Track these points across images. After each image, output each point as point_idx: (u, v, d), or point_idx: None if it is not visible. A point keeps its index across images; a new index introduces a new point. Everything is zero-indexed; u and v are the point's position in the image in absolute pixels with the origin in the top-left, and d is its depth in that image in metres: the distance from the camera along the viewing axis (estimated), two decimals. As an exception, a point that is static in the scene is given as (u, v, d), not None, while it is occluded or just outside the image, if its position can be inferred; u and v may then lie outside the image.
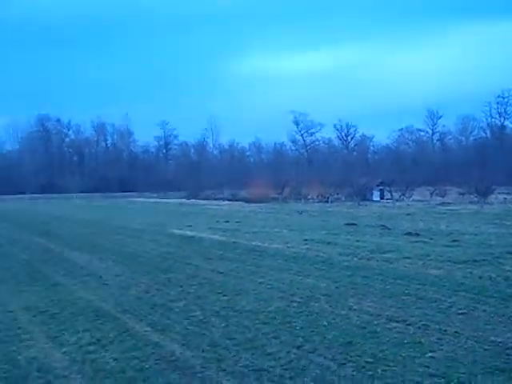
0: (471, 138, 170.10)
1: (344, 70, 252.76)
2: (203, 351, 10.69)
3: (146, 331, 12.39)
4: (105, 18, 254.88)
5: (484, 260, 20.71)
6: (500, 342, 10.77)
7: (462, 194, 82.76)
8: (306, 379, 9.07)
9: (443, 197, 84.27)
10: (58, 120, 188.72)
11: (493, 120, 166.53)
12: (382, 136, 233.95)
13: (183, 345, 11.21)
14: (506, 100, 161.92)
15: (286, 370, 9.56)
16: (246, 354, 10.45)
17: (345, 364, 9.75)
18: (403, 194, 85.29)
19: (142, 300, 15.70)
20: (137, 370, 9.74)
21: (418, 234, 30.58)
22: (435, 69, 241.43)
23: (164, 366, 9.93)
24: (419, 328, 11.90)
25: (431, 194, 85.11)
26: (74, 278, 19.66)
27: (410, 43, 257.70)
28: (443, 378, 8.98)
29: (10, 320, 13.79)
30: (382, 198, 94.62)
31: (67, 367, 10.07)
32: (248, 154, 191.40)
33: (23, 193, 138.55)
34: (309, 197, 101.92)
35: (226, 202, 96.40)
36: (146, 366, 9.94)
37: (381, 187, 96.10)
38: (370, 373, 9.26)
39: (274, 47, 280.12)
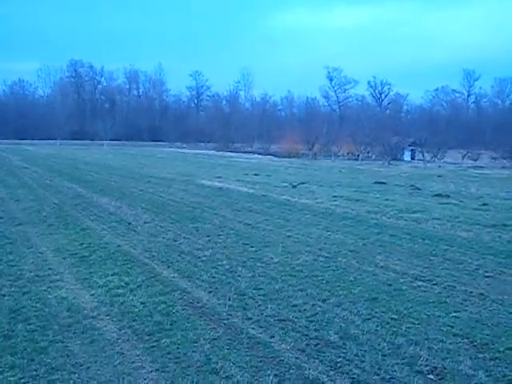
0: (507, 102, 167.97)
1: (381, 27, 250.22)
2: (229, 299, 10.80)
3: (173, 277, 12.53)
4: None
5: (513, 224, 20.64)
6: (525, 306, 10.79)
7: (495, 159, 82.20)
8: (330, 332, 9.15)
9: (475, 160, 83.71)
10: (91, 66, 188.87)
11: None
12: (416, 95, 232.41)
13: (210, 292, 11.34)
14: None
15: (310, 321, 9.65)
16: (272, 304, 10.54)
17: (369, 319, 9.82)
18: (435, 156, 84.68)
19: (169, 247, 15.84)
20: (163, 315, 9.88)
21: (447, 196, 30.48)
22: (474, 29, 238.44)
23: (190, 312, 10.07)
24: (445, 288, 11.93)
25: (463, 156, 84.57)
26: (104, 224, 19.85)
27: (448, 1, 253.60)
28: (467, 338, 9.02)
29: (40, 261, 13.99)
30: (412, 159, 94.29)
31: (95, 308, 10.24)
32: (280, 108, 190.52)
33: (54, 138, 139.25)
34: (339, 154, 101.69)
35: (256, 156, 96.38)
36: (173, 311, 10.08)
37: (412, 147, 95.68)
38: (394, 329, 9.33)
39: (310, 1, 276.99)
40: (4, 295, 10.91)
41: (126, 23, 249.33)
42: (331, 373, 7.67)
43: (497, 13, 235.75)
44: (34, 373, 7.59)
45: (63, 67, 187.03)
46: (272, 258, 14.55)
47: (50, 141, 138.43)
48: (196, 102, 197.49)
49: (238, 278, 12.53)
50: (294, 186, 18.01)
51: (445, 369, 7.84)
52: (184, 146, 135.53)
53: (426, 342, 8.77)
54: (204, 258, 14.49)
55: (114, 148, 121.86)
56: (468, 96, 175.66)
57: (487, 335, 9.15)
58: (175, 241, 16.84)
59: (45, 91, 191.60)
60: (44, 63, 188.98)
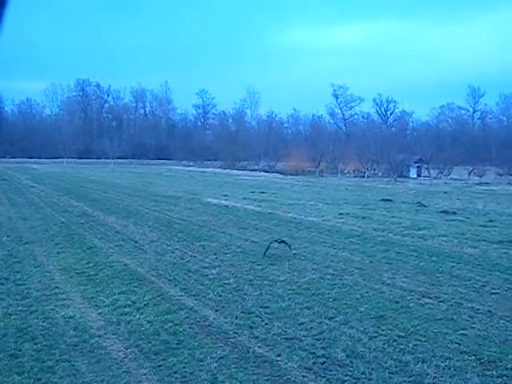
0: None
1: (385, 44, 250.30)
2: (236, 318, 10.81)
3: (180, 296, 12.55)
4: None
5: (520, 241, 20.61)
6: (533, 323, 10.77)
7: (501, 175, 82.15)
8: (337, 350, 9.15)
9: (481, 177, 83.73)
10: (98, 85, 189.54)
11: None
12: (421, 112, 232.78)
13: (216, 311, 11.35)
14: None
15: (317, 339, 9.65)
16: (279, 322, 10.55)
17: (376, 337, 9.81)
18: (441, 172, 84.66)
19: (176, 266, 15.86)
20: (170, 333, 9.89)
21: (454, 213, 30.48)
22: (478, 46, 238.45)
23: (197, 331, 10.07)
24: (452, 305, 11.92)
25: (469, 173, 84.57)
26: (110, 242, 19.89)
27: (452, 18, 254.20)
28: (474, 355, 9.00)
29: (48, 280, 14.02)
30: (419, 176, 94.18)
31: (102, 327, 10.25)
32: (286, 125, 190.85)
33: (61, 157, 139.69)
34: (345, 171, 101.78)
35: (262, 173, 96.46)
36: (180, 330, 10.08)
37: (418, 164, 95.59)
38: (401, 347, 9.32)
39: (315, 19, 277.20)
40: (11, 314, 10.93)
41: (133, 42, 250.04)
42: (338, 391, 7.67)
43: (502, 29, 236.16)
44: (41, 392, 7.61)
45: (70, 86, 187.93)
46: (278, 276, 14.56)
47: (57, 159, 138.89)
48: (202, 120, 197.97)
49: (245, 296, 12.54)
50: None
51: (452, 387, 7.83)
52: (191, 164, 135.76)
53: (433, 359, 8.76)
54: (211, 277, 14.50)
55: (120, 166, 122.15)
56: (473, 113, 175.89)
57: (494, 352, 9.13)
58: (182, 259, 16.87)
59: (52, 110, 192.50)
60: (51, 82, 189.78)
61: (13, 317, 10.76)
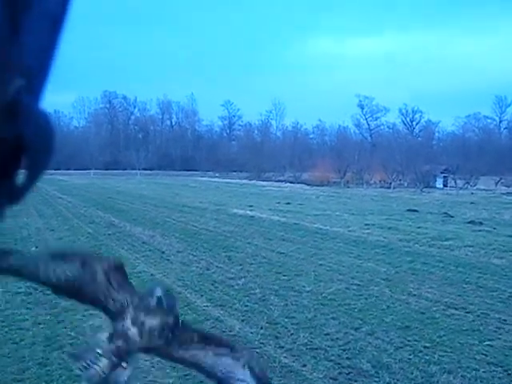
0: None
1: (411, 54, 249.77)
2: (262, 328, 10.85)
3: (206, 306, 12.61)
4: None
5: (548, 251, 20.48)
6: (560, 334, 10.71)
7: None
8: (362, 360, 9.16)
9: (509, 186, 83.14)
10: (125, 97, 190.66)
11: None
12: (447, 122, 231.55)
13: (242, 321, 11.40)
14: None
15: (343, 350, 9.67)
16: (304, 333, 10.57)
17: (402, 348, 9.81)
18: (467, 182, 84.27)
19: (202, 276, 15.92)
20: (197, 344, 9.93)
21: (481, 223, 30.30)
22: (504, 54, 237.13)
23: (223, 341, 10.11)
24: (478, 316, 11.88)
25: (496, 183, 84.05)
26: (137, 253, 19.99)
27: (477, 27, 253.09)
28: (501, 366, 8.99)
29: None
30: (445, 186, 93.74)
31: (130, 337, 10.31)
32: (311, 136, 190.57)
33: (89, 169, 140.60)
34: (371, 182, 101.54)
35: (288, 184, 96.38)
36: (206, 340, 10.12)
37: (445, 174, 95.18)
38: (427, 357, 9.32)
39: (340, 30, 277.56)
40: (39, 323, 11.05)
41: (159, 54, 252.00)
42: (364, 401, 7.68)
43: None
44: (70, 401, 7.70)
45: (97, 99, 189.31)
46: (304, 287, 14.58)
47: (84, 171, 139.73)
48: (228, 131, 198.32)
49: (271, 306, 12.58)
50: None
51: (478, 397, 7.83)
52: (216, 175, 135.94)
53: (459, 370, 8.75)
54: (237, 287, 14.55)
55: (147, 178, 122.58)
56: (500, 122, 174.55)
57: (521, 363, 9.11)
58: (208, 269, 16.93)
59: (80, 122, 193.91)
60: (79, 95, 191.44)
61: (41, 326, 10.89)
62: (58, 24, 0.80)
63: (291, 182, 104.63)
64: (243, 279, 15.48)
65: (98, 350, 1.67)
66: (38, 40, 0.73)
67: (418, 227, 28.39)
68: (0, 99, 0.62)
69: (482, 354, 9.52)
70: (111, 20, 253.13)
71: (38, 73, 0.75)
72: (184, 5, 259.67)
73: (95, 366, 1.64)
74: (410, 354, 9.45)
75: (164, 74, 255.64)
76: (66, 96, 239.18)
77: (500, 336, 10.50)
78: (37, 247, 20.77)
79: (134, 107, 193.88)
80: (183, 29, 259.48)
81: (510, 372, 8.75)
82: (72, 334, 10.44)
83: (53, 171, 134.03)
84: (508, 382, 8.41)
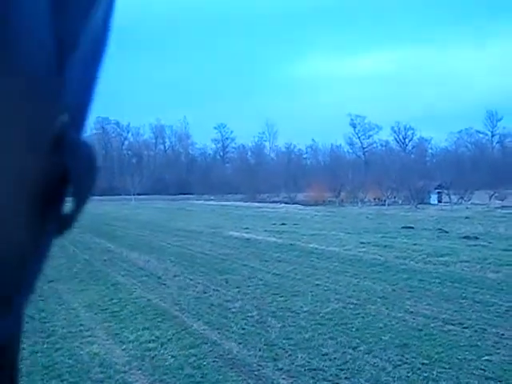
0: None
1: (401, 72, 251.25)
2: (260, 350, 10.84)
3: (203, 330, 12.59)
4: (162, 21, 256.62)
5: (543, 264, 20.52)
6: (558, 347, 10.73)
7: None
8: (360, 379, 9.16)
9: (503, 200, 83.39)
10: (117, 123, 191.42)
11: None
12: (440, 138, 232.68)
13: (240, 343, 11.39)
14: None
15: (341, 370, 9.67)
16: (302, 353, 10.57)
17: (400, 365, 9.81)
18: (461, 198, 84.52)
19: (199, 300, 15.91)
20: (194, 367, 9.94)
21: (476, 238, 30.35)
22: (494, 69, 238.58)
23: (221, 364, 10.12)
24: (476, 331, 11.89)
25: (490, 197, 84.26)
26: (134, 278, 19.98)
27: (466, 42, 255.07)
28: (499, 381, 8.99)
29: (72, 317, 14.11)
30: (439, 202, 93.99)
31: (127, 363, 10.31)
32: (305, 156, 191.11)
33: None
34: (365, 200, 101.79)
35: (283, 205, 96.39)
36: (204, 364, 10.13)
37: (439, 190, 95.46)
38: (425, 374, 9.32)
39: (329, 50, 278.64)
40: (37, 352, 11.02)
41: (150, 79, 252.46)
42: (363, 420, 7.68)
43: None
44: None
45: (90, 125, 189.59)
46: (301, 307, 14.58)
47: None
48: (222, 154, 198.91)
49: (268, 328, 12.57)
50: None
51: (477, 413, 7.83)
52: (211, 198, 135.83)
53: (457, 386, 8.77)
54: (234, 310, 14.54)
55: (142, 202, 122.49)
56: (492, 136, 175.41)
57: (520, 377, 9.12)
58: (205, 293, 16.91)
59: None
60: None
61: (38, 354, 10.85)
62: (99, 58, 0.84)
63: (286, 203, 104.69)
64: (240, 302, 15.47)
65: None
66: (81, 76, 0.77)
67: (414, 244, 28.43)
68: (47, 134, 0.67)
69: (481, 369, 9.52)
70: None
71: (80, 107, 0.79)
72: (174, 30, 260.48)
73: None
74: (408, 372, 9.45)
75: (156, 98, 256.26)
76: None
77: (498, 351, 10.50)
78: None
79: (128, 132, 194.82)
80: (174, 54, 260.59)
81: (508, 386, 8.78)
82: (70, 361, 10.41)
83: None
84: (506, 396, 8.44)
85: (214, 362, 10.25)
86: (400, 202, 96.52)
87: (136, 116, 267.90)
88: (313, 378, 9.32)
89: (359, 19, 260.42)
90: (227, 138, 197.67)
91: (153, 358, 10.59)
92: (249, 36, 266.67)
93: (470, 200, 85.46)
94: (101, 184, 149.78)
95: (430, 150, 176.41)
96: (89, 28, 0.71)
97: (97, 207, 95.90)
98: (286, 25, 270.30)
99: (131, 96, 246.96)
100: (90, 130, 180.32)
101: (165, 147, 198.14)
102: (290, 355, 10.52)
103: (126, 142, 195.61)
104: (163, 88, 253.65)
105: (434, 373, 9.36)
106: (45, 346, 11.48)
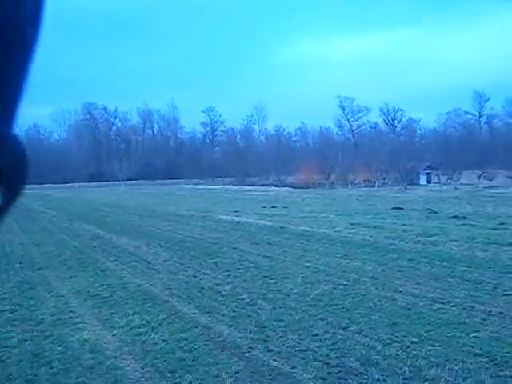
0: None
1: (389, 54, 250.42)
2: (250, 332, 10.86)
3: (194, 313, 12.60)
4: (148, 6, 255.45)
5: (532, 242, 20.63)
6: (546, 323, 10.80)
7: (511, 178, 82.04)
8: (351, 359, 9.20)
9: (491, 180, 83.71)
10: (105, 108, 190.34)
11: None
12: (428, 119, 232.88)
13: (230, 326, 11.41)
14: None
15: (331, 350, 9.70)
16: (293, 335, 10.60)
17: (390, 344, 9.85)
18: (450, 178, 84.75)
19: (189, 284, 15.92)
20: (186, 351, 9.96)
21: (464, 217, 30.47)
22: (481, 51, 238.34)
23: (212, 347, 10.14)
24: (464, 309, 11.95)
25: (479, 177, 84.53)
26: (123, 264, 19.97)
27: (454, 25, 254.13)
28: (487, 357, 9.05)
29: (61, 304, 14.09)
30: (429, 182, 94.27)
31: (118, 348, 10.32)
32: (294, 139, 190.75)
33: (72, 181, 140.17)
34: (355, 181, 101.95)
35: (273, 188, 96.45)
36: (195, 347, 10.15)
37: (428, 171, 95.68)
38: (415, 352, 9.36)
39: (317, 32, 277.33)
40: (26, 340, 11.01)
41: (137, 63, 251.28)
42: (353, 399, 7.72)
43: (504, 33, 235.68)
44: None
45: (77, 110, 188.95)
46: (292, 289, 14.61)
47: (68, 184, 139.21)
48: (211, 137, 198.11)
49: (259, 310, 12.59)
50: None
51: (466, 389, 7.89)
52: (201, 182, 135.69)
53: (446, 363, 8.81)
54: (224, 293, 14.56)
55: (131, 188, 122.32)
56: (480, 117, 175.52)
57: (508, 353, 9.16)
58: (195, 277, 16.92)
59: (60, 135, 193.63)
60: (58, 107, 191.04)
61: (27, 342, 10.84)
62: (30, 53, 0.83)
63: (276, 186, 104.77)
64: (230, 285, 15.48)
65: None
66: (9, 70, 0.76)
67: (403, 224, 28.53)
68: None
69: (469, 345, 9.58)
70: (88, 31, 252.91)
71: (9, 102, 0.78)
72: (160, 14, 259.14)
73: None
74: (397, 350, 9.49)
75: (143, 83, 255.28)
76: (44, 108, 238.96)
77: (486, 327, 10.56)
78: (21, 263, 20.74)
79: (115, 117, 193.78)
80: (161, 37, 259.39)
81: (496, 362, 8.81)
82: (60, 348, 10.41)
83: (36, 185, 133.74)
84: (495, 371, 8.46)
85: (204, 345, 10.27)
86: (390, 183, 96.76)
87: (123, 101, 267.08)
88: (303, 358, 9.35)
89: (347, 2, 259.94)
90: (216, 122, 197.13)
91: (144, 342, 10.60)
92: (236, 20, 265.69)
93: (458, 180, 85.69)
94: (89, 170, 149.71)
95: (418, 131, 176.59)
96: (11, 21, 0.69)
97: (85, 193, 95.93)
98: (274, 9, 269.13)
99: (118, 81, 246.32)
100: (76, 115, 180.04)
101: (153, 132, 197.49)
102: (280, 337, 10.55)
103: (114, 128, 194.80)
104: (150, 72, 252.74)
105: (423, 350, 9.41)
106: (34, 333, 11.47)
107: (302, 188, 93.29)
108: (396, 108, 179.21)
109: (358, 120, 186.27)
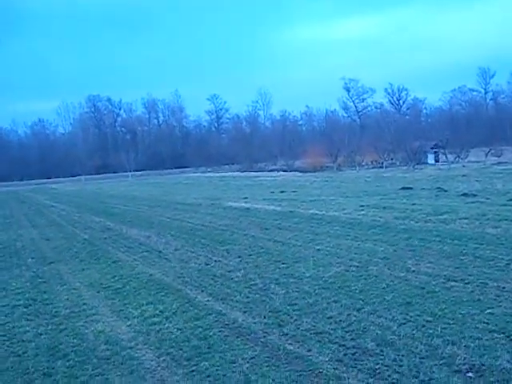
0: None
1: (393, 33, 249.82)
2: (264, 317, 10.86)
3: (207, 301, 12.61)
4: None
5: (542, 217, 20.57)
6: (560, 296, 10.77)
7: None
8: (366, 340, 9.19)
9: (499, 157, 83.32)
10: (109, 99, 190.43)
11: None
12: (434, 98, 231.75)
13: (245, 312, 11.41)
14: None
15: (346, 332, 9.69)
16: (307, 318, 10.59)
17: (404, 324, 9.83)
18: (458, 156, 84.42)
19: (201, 272, 15.93)
20: (201, 339, 9.96)
21: (474, 195, 30.38)
22: (485, 27, 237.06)
23: (227, 333, 10.14)
24: (477, 286, 11.92)
25: (486, 154, 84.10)
26: (135, 254, 19.99)
27: (455, 2, 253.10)
28: (503, 333, 9.02)
29: (75, 297, 14.13)
30: (436, 161, 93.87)
31: (133, 338, 10.33)
32: (300, 123, 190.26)
33: (79, 175, 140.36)
34: (363, 163, 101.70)
35: (281, 173, 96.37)
36: (210, 334, 10.15)
37: (435, 150, 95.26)
38: (430, 331, 9.34)
39: (318, 15, 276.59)
40: (41, 334, 11.05)
41: (140, 53, 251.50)
42: (370, 380, 7.70)
43: (508, 8, 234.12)
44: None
45: (82, 103, 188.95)
46: (304, 273, 14.60)
47: (75, 177, 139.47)
48: (216, 125, 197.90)
49: (272, 295, 12.59)
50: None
51: (483, 365, 7.85)
52: (208, 170, 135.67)
53: (462, 340, 8.79)
54: (237, 279, 14.56)
55: (138, 178, 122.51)
56: (485, 93, 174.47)
57: (523, 329, 9.16)
58: (207, 265, 16.93)
59: (65, 128, 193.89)
60: (62, 101, 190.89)
61: (43, 336, 10.88)
62: None
63: (284, 171, 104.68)
64: (242, 271, 15.48)
65: None
66: None
67: (413, 204, 28.46)
68: None
69: (484, 322, 9.55)
70: (90, 24, 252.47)
71: None
72: (163, 3, 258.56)
73: None
74: (412, 330, 9.47)
75: (147, 73, 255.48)
76: (48, 103, 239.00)
77: (500, 304, 10.53)
78: (33, 258, 20.79)
79: (120, 109, 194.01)
80: (163, 27, 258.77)
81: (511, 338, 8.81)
82: (75, 341, 10.43)
83: (44, 180, 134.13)
84: (510, 347, 8.43)
85: (219, 332, 10.28)
86: (397, 163, 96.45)
87: (127, 91, 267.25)
88: (319, 341, 9.34)
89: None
90: (221, 109, 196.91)
91: (158, 331, 10.62)
92: (238, 7, 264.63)
93: (466, 158, 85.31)
94: (95, 162, 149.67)
95: (424, 111, 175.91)
96: None
97: (93, 186, 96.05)
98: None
99: (122, 72, 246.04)
100: (80, 108, 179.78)
101: (158, 121, 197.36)
102: (295, 320, 10.55)
103: (119, 119, 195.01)
104: (153, 62, 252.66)
105: (439, 329, 9.39)
106: (49, 327, 11.52)
107: (309, 172, 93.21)
108: (401, 88, 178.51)
109: (363, 101, 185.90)
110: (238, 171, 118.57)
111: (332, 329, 9.89)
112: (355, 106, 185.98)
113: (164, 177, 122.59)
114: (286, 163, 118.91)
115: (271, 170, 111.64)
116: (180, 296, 13.31)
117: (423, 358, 8.23)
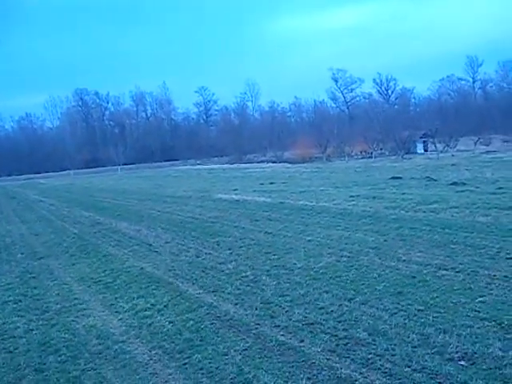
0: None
1: (380, 23, 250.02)
2: (256, 309, 10.87)
3: (198, 293, 12.60)
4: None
5: (531, 205, 20.62)
6: (551, 283, 10.81)
7: (507, 142, 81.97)
8: (358, 329, 9.19)
9: (488, 145, 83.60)
10: (96, 93, 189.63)
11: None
12: (422, 87, 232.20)
13: (236, 304, 11.41)
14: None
15: (338, 322, 9.70)
16: (299, 309, 10.60)
17: (396, 313, 9.85)
18: (447, 145, 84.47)
19: (192, 264, 15.91)
20: (192, 331, 9.96)
21: (463, 184, 30.43)
22: (473, 16, 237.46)
23: (219, 326, 10.14)
24: (468, 274, 11.94)
25: (475, 143, 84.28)
26: (125, 248, 19.95)
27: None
28: (494, 321, 9.05)
29: (66, 292, 14.10)
30: (425, 151, 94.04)
31: (124, 332, 10.33)
32: (289, 114, 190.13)
33: (68, 169, 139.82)
34: (352, 153, 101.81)
35: (270, 165, 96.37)
36: (202, 327, 10.15)
37: (424, 139, 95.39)
38: (422, 320, 9.36)
39: (305, 5, 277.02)
40: (32, 329, 11.02)
41: (127, 46, 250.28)
42: (363, 370, 7.71)
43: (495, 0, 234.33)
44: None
45: (69, 97, 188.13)
46: (295, 264, 14.60)
47: (64, 172, 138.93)
48: (205, 117, 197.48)
49: (263, 286, 12.59)
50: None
51: (475, 353, 7.88)
52: (198, 162, 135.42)
53: (454, 329, 8.81)
54: (228, 271, 14.55)
55: (128, 172, 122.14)
56: (473, 82, 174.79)
57: (514, 316, 9.19)
58: (197, 257, 16.91)
59: (53, 123, 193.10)
60: (49, 95, 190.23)
61: (34, 332, 10.86)
62: None
63: (273, 162, 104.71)
64: (233, 263, 15.47)
65: None
66: None
67: (403, 193, 28.50)
68: None
69: (475, 310, 9.57)
70: (76, 17, 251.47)
71: None
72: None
73: None
74: (404, 319, 9.48)
75: (134, 66, 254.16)
76: (35, 97, 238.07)
77: (491, 292, 10.55)
78: (22, 253, 20.72)
79: (107, 102, 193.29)
80: (150, 18, 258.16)
81: (503, 325, 8.81)
82: (66, 336, 10.41)
83: (32, 175, 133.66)
84: (502, 334, 8.46)
85: (211, 324, 10.27)
86: (387, 153, 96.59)
87: (115, 85, 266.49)
88: (311, 332, 9.34)
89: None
90: (209, 101, 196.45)
91: (150, 325, 10.61)
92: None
93: (455, 147, 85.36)
94: (84, 157, 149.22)
95: (413, 100, 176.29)
96: None
97: (82, 180, 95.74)
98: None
99: (109, 65, 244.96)
100: (68, 102, 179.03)
101: (147, 114, 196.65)
102: (286, 311, 10.55)
103: (107, 112, 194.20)
104: (140, 55, 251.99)
105: (430, 318, 9.41)
106: (40, 322, 11.50)
107: (299, 163, 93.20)
108: (389, 77, 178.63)
109: (351, 91, 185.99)
110: (227, 163, 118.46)
111: (324, 319, 9.89)
112: (344, 97, 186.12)
113: (153, 170, 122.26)
114: (275, 154, 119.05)
115: (260, 162, 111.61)
116: (171, 289, 13.29)
117: (415, 347, 8.25)
